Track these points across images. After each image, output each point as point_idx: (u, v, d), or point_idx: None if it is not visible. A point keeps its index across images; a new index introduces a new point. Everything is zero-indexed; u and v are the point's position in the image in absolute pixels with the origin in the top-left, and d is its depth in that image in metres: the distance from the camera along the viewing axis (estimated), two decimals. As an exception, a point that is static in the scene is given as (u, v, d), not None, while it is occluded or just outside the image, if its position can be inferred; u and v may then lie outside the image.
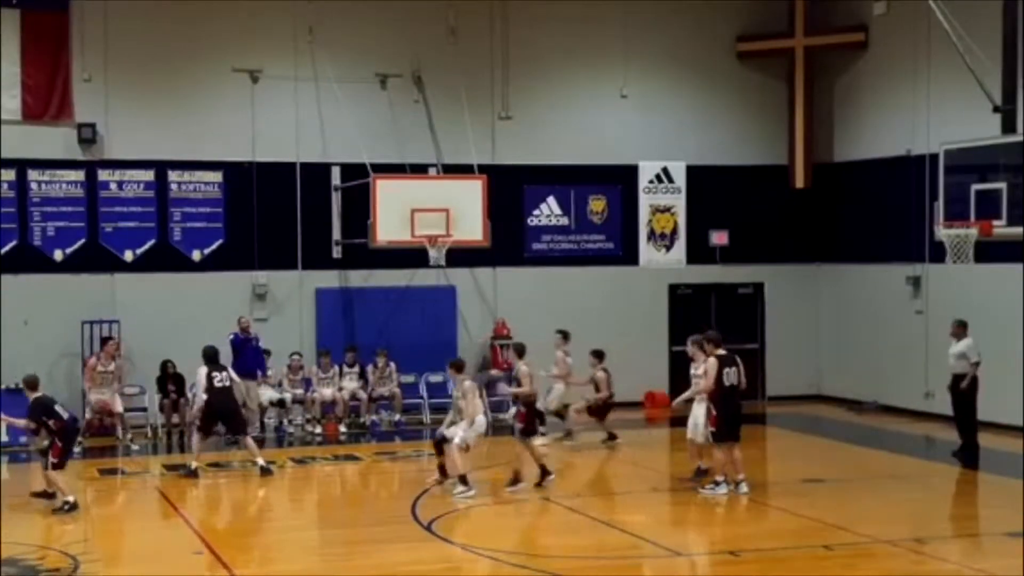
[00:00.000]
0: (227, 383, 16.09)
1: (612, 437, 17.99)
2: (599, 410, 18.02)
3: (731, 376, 14.18)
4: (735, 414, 14.31)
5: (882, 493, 14.60)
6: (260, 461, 15.83)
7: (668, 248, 22.71)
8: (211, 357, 16.31)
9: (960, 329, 16.84)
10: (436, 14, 21.16)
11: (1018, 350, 17.95)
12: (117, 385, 18.64)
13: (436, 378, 20.61)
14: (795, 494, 14.41)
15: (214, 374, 16.05)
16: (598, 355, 18.03)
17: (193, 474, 15.66)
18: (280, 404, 19.53)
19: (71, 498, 13.73)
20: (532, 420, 15.06)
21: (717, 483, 14.25)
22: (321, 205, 20.83)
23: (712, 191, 22.64)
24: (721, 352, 14.27)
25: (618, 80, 22.18)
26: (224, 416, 16.14)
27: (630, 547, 12.22)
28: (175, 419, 19.28)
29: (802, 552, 11.76)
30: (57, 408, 14.18)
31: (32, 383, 14.39)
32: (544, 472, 14.84)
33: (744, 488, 14.17)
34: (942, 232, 14.77)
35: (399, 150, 20.72)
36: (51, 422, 13.99)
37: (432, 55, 21.20)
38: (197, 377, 16.50)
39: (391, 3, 20.97)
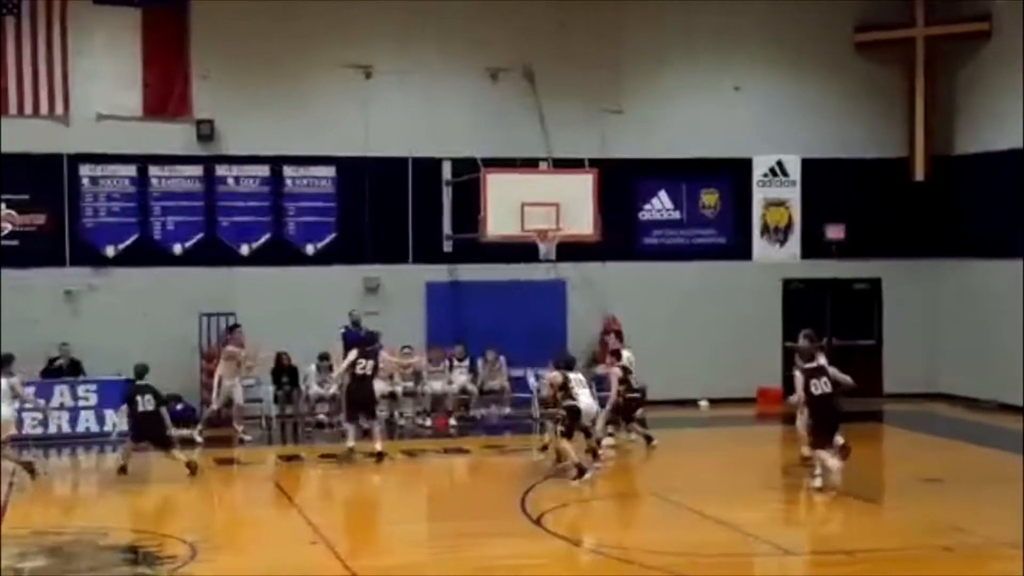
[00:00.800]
0: (368, 371, 16.45)
1: (648, 439, 17.25)
2: (622, 409, 17.36)
3: (819, 386, 14.25)
4: (830, 421, 14.37)
5: (1003, 494, 14.14)
6: (378, 447, 16.14)
7: (782, 243, 22.36)
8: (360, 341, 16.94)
9: None
10: (547, 8, 21.12)
11: None
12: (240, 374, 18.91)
13: (546, 373, 20.53)
14: (911, 494, 14.07)
15: (359, 361, 16.40)
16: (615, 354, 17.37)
17: (349, 457, 16.15)
18: (391, 397, 19.69)
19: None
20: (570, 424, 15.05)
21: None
22: (432, 199, 20.95)
23: (828, 184, 22.22)
24: (809, 366, 14.44)
25: (731, 72, 21.89)
26: (362, 403, 16.52)
27: (739, 544, 12.04)
28: (289, 410, 19.59)
29: (919, 553, 11.46)
30: (137, 399, 15.05)
31: (138, 372, 15.35)
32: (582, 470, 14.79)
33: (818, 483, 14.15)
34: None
35: (509, 144, 20.74)
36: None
37: (543, 49, 21.17)
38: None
39: (503, -2, 21.01)
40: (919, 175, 22.11)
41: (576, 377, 15.35)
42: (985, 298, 21.28)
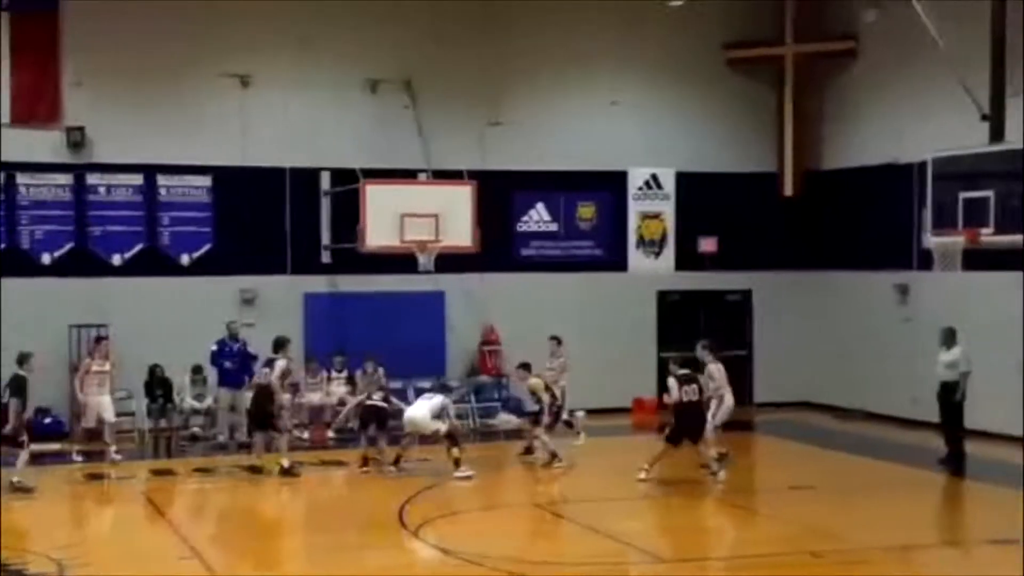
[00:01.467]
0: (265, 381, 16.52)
1: (528, 452, 17.36)
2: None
3: (689, 392, 15.36)
4: (692, 426, 15.41)
5: (869, 500, 14.62)
6: (284, 462, 16.18)
7: (657, 255, 22.74)
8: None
9: (950, 337, 16.90)
10: (427, 20, 21.16)
11: (1003, 358, 17.99)
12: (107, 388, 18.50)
13: (424, 384, 20.54)
14: (783, 501, 14.43)
15: (263, 370, 16.65)
16: (525, 367, 17.53)
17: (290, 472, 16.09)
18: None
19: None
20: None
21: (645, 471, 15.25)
22: (310, 210, 20.81)
23: (701, 198, 22.68)
24: (681, 372, 15.60)
25: (609, 87, 22.21)
26: (260, 416, 16.60)
27: (618, 554, 12.22)
28: (162, 424, 19.26)
29: (790, 559, 11.75)
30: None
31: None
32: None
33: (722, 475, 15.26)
34: (930, 240, 14.82)
35: (389, 155, 20.71)
36: None
37: (423, 61, 21.21)
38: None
39: (382, 9, 20.96)
40: (789, 189, 22.70)
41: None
42: (852, 309, 21.93)
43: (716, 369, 16.38)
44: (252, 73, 20.47)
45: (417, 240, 18.98)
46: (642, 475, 15.15)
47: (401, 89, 21.16)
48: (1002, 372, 17.80)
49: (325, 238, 20.87)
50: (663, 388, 21.71)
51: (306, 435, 19.30)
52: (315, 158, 20.72)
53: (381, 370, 19.98)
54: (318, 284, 20.84)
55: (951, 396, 16.73)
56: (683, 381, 15.44)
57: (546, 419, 16.80)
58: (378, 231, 18.95)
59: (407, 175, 20.49)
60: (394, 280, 20.68)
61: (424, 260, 19.16)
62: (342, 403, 19.69)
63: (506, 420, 20.80)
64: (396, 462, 16.35)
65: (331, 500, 15.99)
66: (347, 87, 20.86)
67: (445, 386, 19.31)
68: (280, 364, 16.42)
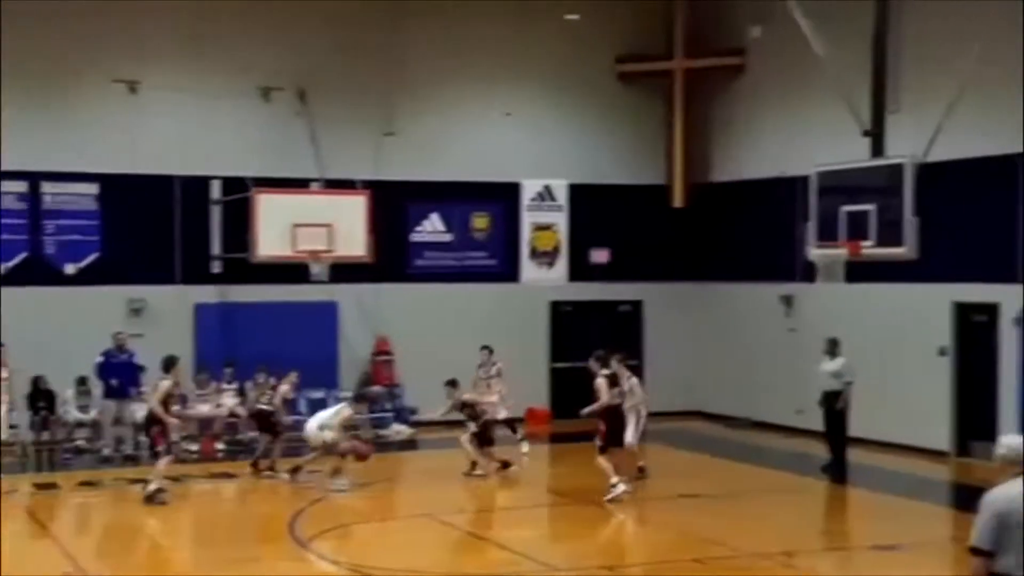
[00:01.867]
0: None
1: (506, 466, 17.18)
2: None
3: (615, 395, 15.04)
4: (618, 427, 15.11)
5: (754, 507, 14.92)
6: (152, 486, 14.94)
7: (550, 266, 22.92)
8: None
9: (833, 347, 17.35)
10: (322, 29, 21.08)
11: (883, 368, 18.50)
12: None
13: (317, 394, 20.46)
14: (672, 509, 14.65)
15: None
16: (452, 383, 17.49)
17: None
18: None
19: None
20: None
21: (614, 485, 14.66)
22: (200, 219, 20.55)
23: (593, 209, 22.93)
24: (607, 372, 15.18)
25: (502, 99, 22.35)
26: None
27: (510, 563, 12.28)
28: (45, 436, 18.84)
29: (676, 566, 11.94)
30: None
31: None
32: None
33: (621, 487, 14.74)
34: (813, 252, 15.18)
35: (281, 164, 20.57)
36: None
37: (317, 69, 21.10)
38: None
39: (275, 16, 20.83)
40: (678, 202, 23.06)
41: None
42: (740, 320, 22.34)
43: (636, 383, 16.31)
44: (141, 79, 20.17)
45: (310, 250, 18.88)
46: (612, 494, 14.63)
47: (294, 97, 21.02)
48: (882, 381, 18.30)
49: (215, 247, 20.63)
50: (558, 397, 22.12)
51: (195, 447, 19.03)
52: (205, 166, 20.48)
53: (273, 381, 19.84)
54: (208, 294, 20.58)
55: (834, 404, 17.19)
56: (612, 383, 15.15)
57: (473, 428, 16.74)
58: (270, 241, 18.81)
59: (300, 184, 20.35)
60: (286, 290, 20.53)
61: (317, 270, 19.06)
62: (233, 415, 19.48)
63: (398, 430, 20.76)
64: (294, 472, 16.18)
65: (221, 513, 15.80)
66: (239, 94, 20.66)
67: (362, 396, 19.04)
68: (164, 385, 15.09)
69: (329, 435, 16.05)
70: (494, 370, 18.76)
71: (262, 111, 20.87)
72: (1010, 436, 7.00)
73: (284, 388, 17.44)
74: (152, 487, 14.89)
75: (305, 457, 16.49)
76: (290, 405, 18.38)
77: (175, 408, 16.09)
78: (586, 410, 15.18)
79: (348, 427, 16.41)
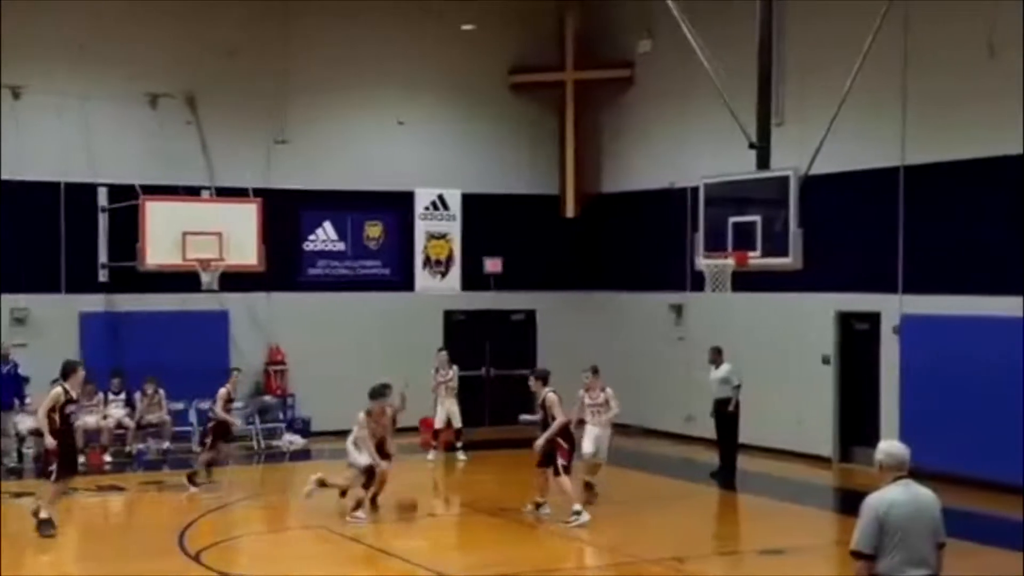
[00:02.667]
0: None
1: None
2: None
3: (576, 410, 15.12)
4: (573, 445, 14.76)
5: (645, 513, 15.13)
6: (43, 513, 13.70)
7: (443, 275, 22.96)
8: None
9: (717, 356, 17.70)
10: (211, 35, 20.86)
11: (770, 375, 18.92)
12: None
13: (207, 405, 20.14)
14: (565, 516, 14.76)
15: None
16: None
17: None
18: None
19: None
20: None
21: (579, 512, 14.08)
22: (87, 227, 20.16)
23: (487, 219, 23.04)
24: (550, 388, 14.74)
25: (395, 107, 22.34)
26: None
27: (404, 573, 12.29)
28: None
29: (571, 573, 12.06)
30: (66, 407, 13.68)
31: None
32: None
33: (585, 517, 14.08)
34: (702, 262, 15.42)
35: (171, 172, 20.29)
36: None
37: (207, 76, 20.87)
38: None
39: (163, 22, 20.55)
40: (570, 212, 23.31)
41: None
42: (632, 328, 22.63)
43: (611, 395, 16.00)
44: (25, 84, 19.72)
45: (200, 258, 18.66)
46: (577, 521, 14.04)
47: (183, 104, 20.77)
48: (769, 388, 18.70)
49: (103, 256, 20.26)
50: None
51: (82, 459, 18.63)
52: (92, 173, 20.11)
53: (162, 392, 19.58)
54: (95, 303, 20.20)
55: (726, 410, 17.52)
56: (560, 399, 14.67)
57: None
58: (159, 249, 18.55)
59: (190, 192, 20.11)
60: (176, 299, 20.24)
61: (207, 279, 18.83)
62: (120, 426, 19.15)
63: (290, 441, 20.60)
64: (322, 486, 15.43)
65: (109, 526, 15.53)
66: (126, 100, 20.33)
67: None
68: (52, 393, 13.68)
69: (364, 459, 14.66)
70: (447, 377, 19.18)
71: (151, 118, 20.56)
72: (888, 442, 7.22)
73: (222, 391, 16.92)
74: (42, 515, 13.63)
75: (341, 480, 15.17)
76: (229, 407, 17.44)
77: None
78: (547, 434, 14.30)
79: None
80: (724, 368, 17.61)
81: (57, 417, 13.52)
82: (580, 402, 15.97)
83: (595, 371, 16.08)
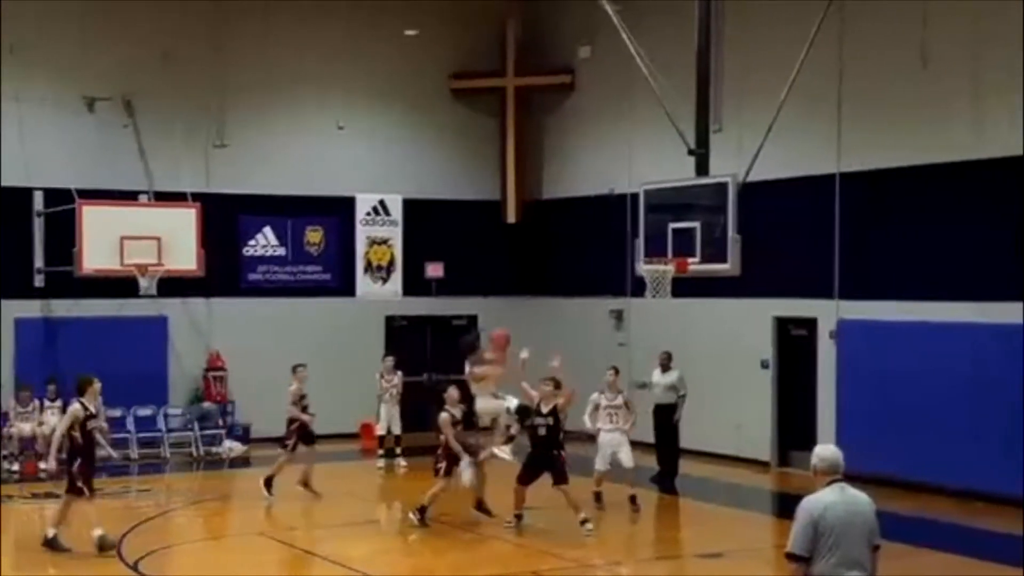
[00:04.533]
0: None
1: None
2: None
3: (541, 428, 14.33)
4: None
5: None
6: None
7: (385, 280, 22.92)
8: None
9: (667, 360, 17.69)
10: (148, 37, 20.67)
11: (710, 380, 19.07)
12: None
13: (145, 411, 20.05)
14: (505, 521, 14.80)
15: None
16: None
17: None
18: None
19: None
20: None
21: (585, 521, 13.90)
22: (22, 231, 19.88)
23: (428, 224, 23.03)
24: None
25: (336, 111, 22.26)
26: None
27: (343, 579, 12.26)
28: None
29: (512, 578, 12.10)
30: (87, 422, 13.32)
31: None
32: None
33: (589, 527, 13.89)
34: (642, 268, 15.53)
35: (108, 176, 20.08)
36: None
37: (144, 79, 20.66)
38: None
39: (100, 24, 20.34)
40: (511, 217, 23.37)
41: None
42: (572, 334, 22.66)
43: (628, 400, 15.86)
44: (-42, 87, 19.46)
45: (138, 263, 18.48)
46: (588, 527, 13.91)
47: (121, 107, 20.55)
48: (709, 393, 18.85)
49: (38, 261, 20.00)
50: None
51: (16, 467, 18.39)
52: (27, 177, 19.82)
53: (100, 398, 19.30)
54: (30, 308, 19.93)
55: (669, 418, 17.46)
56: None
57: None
58: (96, 254, 18.35)
59: (127, 196, 19.90)
60: (113, 304, 20.04)
61: (145, 284, 18.66)
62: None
63: (230, 448, 20.45)
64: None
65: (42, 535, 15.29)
66: (62, 103, 20.09)
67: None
68: (72, 410, 13.36)
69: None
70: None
71: (87, 121, 20.33)
72: (822, 446, 7.31)
73: (293, 388, 16.32)
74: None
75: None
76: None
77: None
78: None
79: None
80: (673, 374, 17.57)
81: (79, 435, 13.15)
82: (594, 407, 15.57)
83: (616, 371, 15.85)
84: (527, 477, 14.21)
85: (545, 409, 14.20)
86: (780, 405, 18.93)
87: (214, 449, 20.33)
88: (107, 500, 16.31)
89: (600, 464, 15.43)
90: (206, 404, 20.75)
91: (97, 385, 13.56)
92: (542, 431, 14.15)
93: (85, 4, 20.15)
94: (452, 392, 14.87)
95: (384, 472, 18.68)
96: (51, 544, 13.19)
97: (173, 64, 20.85)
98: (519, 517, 14.36)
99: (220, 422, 20.71)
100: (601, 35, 20.66)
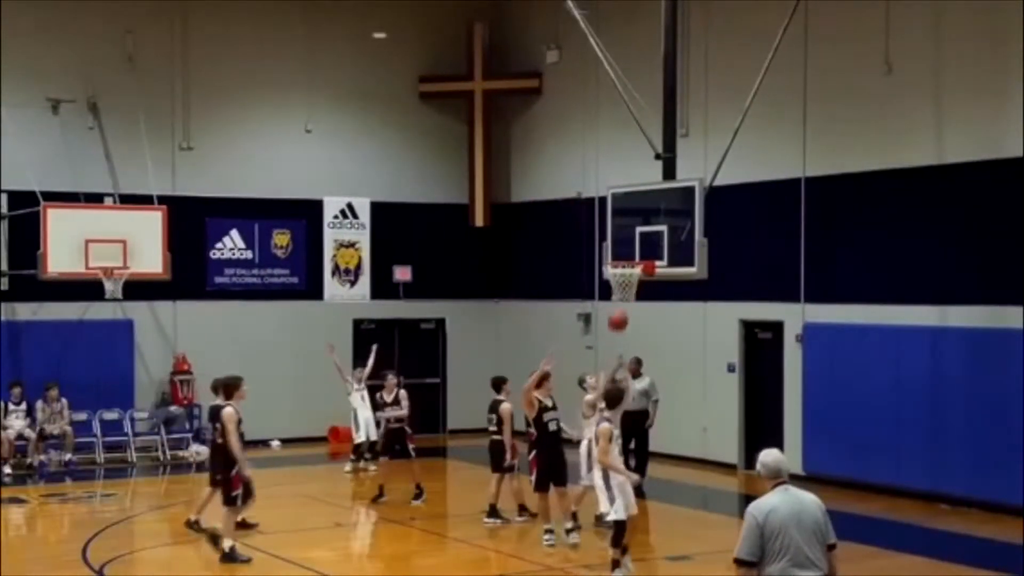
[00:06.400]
0: None
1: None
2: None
3: (552, 423, 13.92)
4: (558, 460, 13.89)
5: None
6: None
7: (352, 283, 22.89)
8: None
9: (638, 366, 17.66)
10: (113, 39, 20.57)
11: (677, 383, 19.16)
12: None
13: (111, 415, 19.94)
14: (473, 525, 14.82)
15: None
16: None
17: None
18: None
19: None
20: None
21: (550, 531, 13.46)
22: (-14, 234, 19.76)
23: (396, 228, 23.03)
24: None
25: (303, 114, 22.23)
26: None
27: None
28: None
29: (478, 581, 12.11)
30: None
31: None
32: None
33: (575, 537, 13.49)
34: (609, 271, 15.56)
35: (73, 178, 19.97)
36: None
37: (109, 81, 20.57)
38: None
39: (65, 26, 20.23)
40: (479, 221, 23.39)
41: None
42: (540, 337, 22.69)
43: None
44: (-79, 88, 19.30)
45: (103, 266, 18.38)
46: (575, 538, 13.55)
47: (86, 109, 20.43)
48: (676, 396, 18.93)
49: (2, 264, 19.87)
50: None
51: (-20, 472, 18.26)
52: (-9, 180, 19.71)
53: (65, 402, 19.23)
54: (-6, 312, 19.81)
55: (640, 423, 17.29)
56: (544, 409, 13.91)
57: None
58: (61, 257, 18.24)
59: (93, 199, 19.80)
60: (78, 308, 19.92)
61: (111, 287, 18.56)
62: (21, 437, 18.78)
63: (197, 452, 20.35)
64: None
65: (10, 539, 15.17)
66: (26, 106, 19.94)
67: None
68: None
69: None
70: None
71: (52, 123, 20.20)
72: (765, 452, 7.36)
73: (402, 393, 16.04)
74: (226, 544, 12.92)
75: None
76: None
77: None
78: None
79: None
80: (645, 380, 17.43)
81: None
82: (589, 407, 14.50)
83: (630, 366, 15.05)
84: (545, 483, 13.71)
85: (550, 403, 13.87)
86: (747, 408, 19.04)
87: (181, 453, 20.24)
88: (72, 505, 16.26)
89: (587, 479, 13.91)
90: (172, 408, 20.65)
91: (246, 387, 13.44)
92: (553, 426, 13.89)
93: (49, 5, 20.02)
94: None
95: (352, 476, 18.62)
96: (230, 556, 12.78)
97: (138, 66, 20.76)
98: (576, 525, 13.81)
99: (187, 426, 20.62)
100: (569, 39, 20.76)
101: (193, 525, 13.97)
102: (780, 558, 6.98)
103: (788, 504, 7.08)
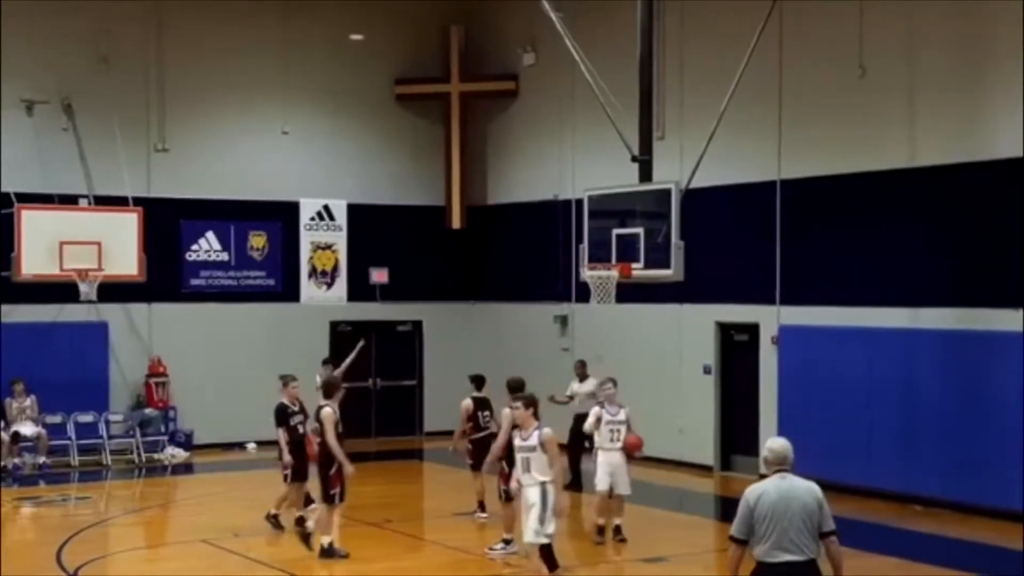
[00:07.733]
0: None
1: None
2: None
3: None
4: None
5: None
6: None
7: (329, 285, 22.84)
8: None
9: (583, 369, 17.51)
10: (87, 39, 20.47)
11: (653, 385, 19.21)
12: None
13: (86, 418, 19.83)
14: (447, 526, 14.83)
15: None
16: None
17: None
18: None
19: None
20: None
21: (507, 541, 13.17)
22: (-41, 236, 19.61)
23: (373, 230, 22.99)
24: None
25: (279, 115, 22.18)
26: None
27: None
28: None
29: (455, 583, 12.11)
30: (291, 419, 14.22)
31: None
32: None
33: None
34: (586, 274, 15.58)
35: (47, 180, 19.85)
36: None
37: (83, 82, 20.47)
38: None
39: (38, 26, 20.11)
40: (456, 223, 23.38)
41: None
42: (517, 340, 22.75)
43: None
44: None
45: (77, 268, 18.30)
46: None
47: (60, 111, 20.32)
48: (652, 398, 18.96)
49: (-24, 266, 19.75)
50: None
51: (-48, 475, 18.14)
52: (-36, 181, 19.58)
53: (33, 398, 19.08)
54: (-33, 314, 19.66)
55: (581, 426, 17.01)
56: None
57: None
58: (35, 258, 18.18)
59: (67, 200, 19.70)
60: (52, 310, 19.81)
61: (85, 289, 18.48)
62: (-6, 440, 18.66)
63: (172, 454, 20.28)
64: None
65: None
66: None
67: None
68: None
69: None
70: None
71: (26, 124, 20.08)
72: (773, 439, 7.85)
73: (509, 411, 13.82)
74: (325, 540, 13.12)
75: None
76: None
77: None
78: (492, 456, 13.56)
79: None
80: (590, 382, 17.01)
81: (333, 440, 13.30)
82: (596, 419, 14.10)
83: (614, 383, 14.26)
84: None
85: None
86: (722, 410, 19.09)
87: (156, 456, 20.14)
88: (46, 508, 16.16)
89: (602, 484, 13.93)
90: (148, 410, 20.55)
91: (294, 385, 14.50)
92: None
93: (22, 5, 19.91)
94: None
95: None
96: (328, 552, 13.02)
97: (113, 66, 20.67)
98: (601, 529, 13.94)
99: (162, 428, 20.53)
100: (545, 42, 20.78)
101: (272, 519, 14.45)
102: (765, 540, 7.42)
103: (779, 490, 7.49)
